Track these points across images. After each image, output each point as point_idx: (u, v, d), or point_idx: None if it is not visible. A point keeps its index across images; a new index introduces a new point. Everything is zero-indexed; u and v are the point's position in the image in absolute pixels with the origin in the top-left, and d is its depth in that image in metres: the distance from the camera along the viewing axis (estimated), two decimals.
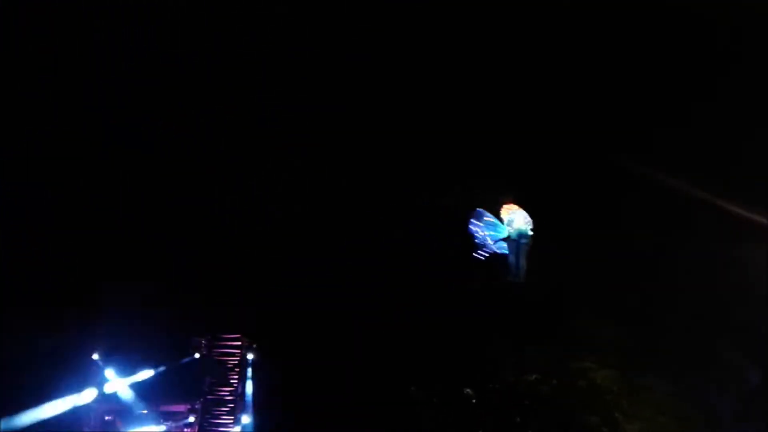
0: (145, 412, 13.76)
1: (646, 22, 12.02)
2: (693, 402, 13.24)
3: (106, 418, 13.50)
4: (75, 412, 12.19)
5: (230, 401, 14.56)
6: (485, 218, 11.86)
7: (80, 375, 12.79)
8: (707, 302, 12.56)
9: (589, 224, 13.28)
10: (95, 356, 12.94)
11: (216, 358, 14.88)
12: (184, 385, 14.36)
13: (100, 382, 12.57)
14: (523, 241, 11.66)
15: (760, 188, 11.64)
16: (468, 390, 14.65)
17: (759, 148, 11.74)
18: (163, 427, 13.72)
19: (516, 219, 11.71)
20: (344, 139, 13.95)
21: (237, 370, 14.70)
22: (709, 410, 13.14)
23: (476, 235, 11.82)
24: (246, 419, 14.47)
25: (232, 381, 14.64)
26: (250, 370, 14.74)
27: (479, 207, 11.91)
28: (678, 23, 11.90)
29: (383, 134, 13.88)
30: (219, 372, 14.74)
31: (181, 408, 14.19)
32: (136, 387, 13.44)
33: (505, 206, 11.86)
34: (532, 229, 11.66)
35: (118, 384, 13.04)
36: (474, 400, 14.59)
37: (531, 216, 12.10)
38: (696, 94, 12.33)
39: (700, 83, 12.20)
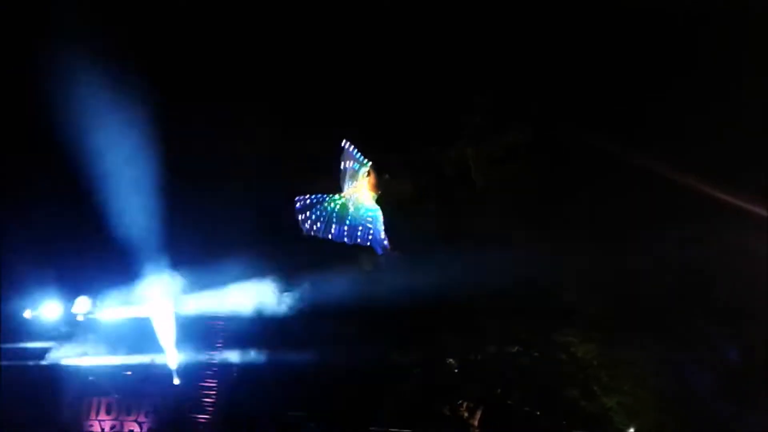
0: None
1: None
2: (672, 377, 13.33)
3: None
4: None
5: None
6: None
7: None
8: (689, 279, 12.52)
9: (574, 201, 13.12)
10: None
11: None
12: None
13: None
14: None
15: (741, 170, 11.48)
16: (450, 360, 14.72)
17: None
18: None
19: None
20: None
21: None
22: (688, 386, 13.24)
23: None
24: None
25: None
26: None
27: None
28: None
29: None
30: None
31: None
32: None
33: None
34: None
35: None
36: (456, 370, 14.67)
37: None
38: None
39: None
